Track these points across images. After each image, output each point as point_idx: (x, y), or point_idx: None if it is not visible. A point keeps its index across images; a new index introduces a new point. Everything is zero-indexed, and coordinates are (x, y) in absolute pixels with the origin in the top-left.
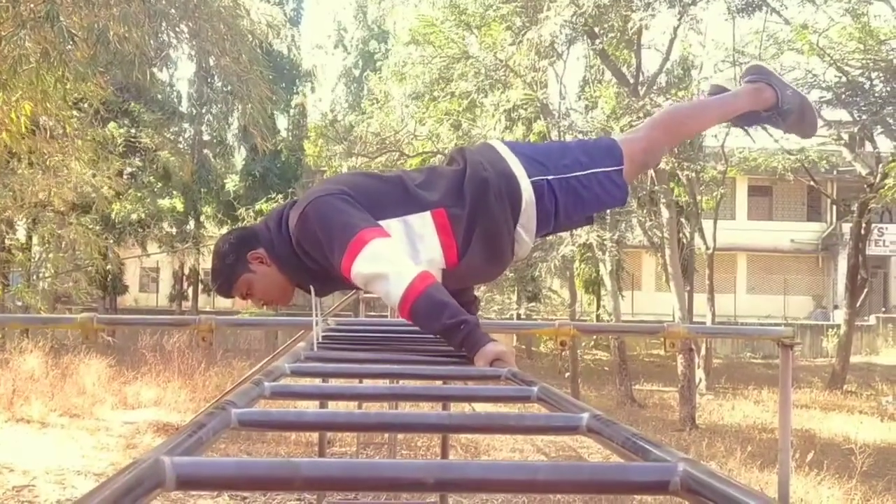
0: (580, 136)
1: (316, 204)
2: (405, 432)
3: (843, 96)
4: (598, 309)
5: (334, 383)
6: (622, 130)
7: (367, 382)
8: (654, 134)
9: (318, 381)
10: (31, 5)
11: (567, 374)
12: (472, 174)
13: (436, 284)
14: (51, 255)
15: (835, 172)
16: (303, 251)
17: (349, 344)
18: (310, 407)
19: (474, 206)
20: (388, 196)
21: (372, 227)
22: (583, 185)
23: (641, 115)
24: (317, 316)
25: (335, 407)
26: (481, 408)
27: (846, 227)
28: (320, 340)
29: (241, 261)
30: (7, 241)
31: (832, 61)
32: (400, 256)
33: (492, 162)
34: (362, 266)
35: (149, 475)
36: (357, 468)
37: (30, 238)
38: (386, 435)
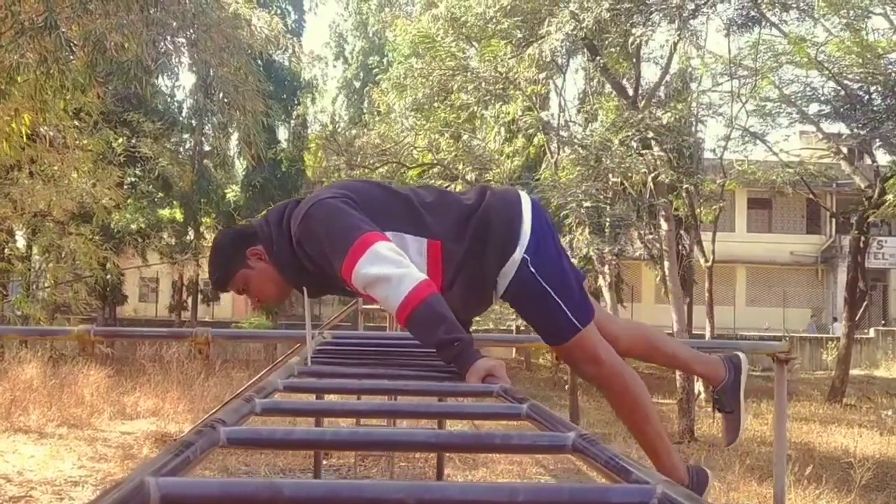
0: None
1: (320, 206)
2: (393, 450)
3: (842, 109)
4: None
5: (329, 398)
6: (622, 143)
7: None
8: (629, 337)
9: (311, 397)
10: (31, 14)
11: (567, 387)
12: (481, 215)
13: (437, 296)
14: (50, 265)
15: (834, 185)
16: (303, 252)
17: (343, 358)
18: (301, 423)
19: (471, 247)
20: (391, 209)
21: (375, 231)
22: (543, 295)
23: (641, 128)
24: (310, 322)
25: (328, 421)
26: (477, 423)
27: (845, 240)
28: (315, 354)
29: (239, 256)
30: (7, 251)
31: (831, 74)
32: (403, 261)
33: (508, 214)
34: (364, 268)
35: (133, 496)
36: (339, 489)
37: (30, 248)
38: None
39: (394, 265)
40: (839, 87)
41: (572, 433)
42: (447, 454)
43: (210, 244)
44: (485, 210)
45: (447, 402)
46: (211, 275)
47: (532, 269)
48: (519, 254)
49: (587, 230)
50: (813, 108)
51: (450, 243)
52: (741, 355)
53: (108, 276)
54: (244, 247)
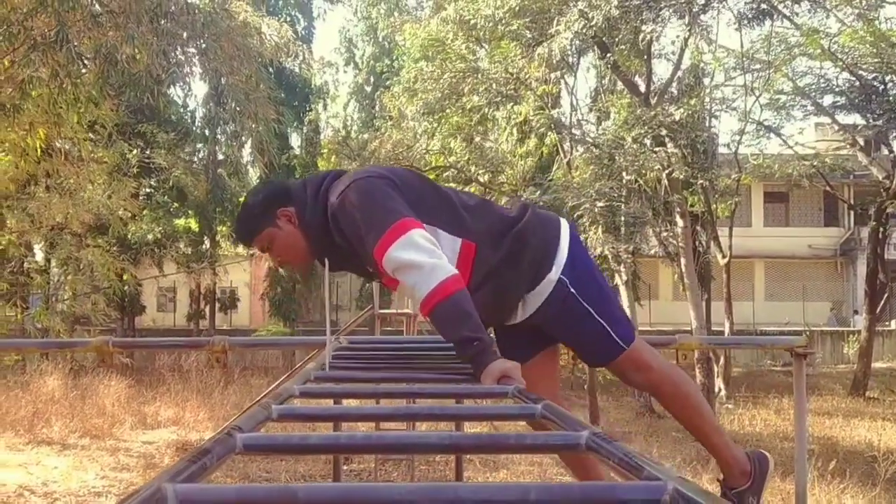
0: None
1: (363, 182)
2: (407, 453)
3: (857, 100)
4: None
5: (346, 402)
6: (634, 141)
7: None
8: (667, 372)
9: (329, 402)
10: (43, 29)
11: (586, 386)
12: (521, 230)
13: (464, 292)
14: (69, 278)
15: (851, 177)
16: (335, 224)
17: (360, 362)
18: (320, 427)
19: (506, 258)
20: (431, 203)
21: (413, 218)
22: (586, 316)
23: (654, 124)
24: (329, 300)
25: (347, 426)
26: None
27: (864, 232)
28: (332, 360)
29: (269, 214)
30: (26, 265)
31: (844, 65)
32: (437, 252)
33: (546, 234)
34: (397, 251)
35: (151, 503)
36: (353, 492)
37: (48, 261)
38: None
39: (427, 254)
40: (854, 78)
41: (586, 432)
42: (467, 456)
43: (225, 253)
44: (525, 225)
45: (464, 404)
46: (237, 228)
47: (573, 290)
48: (555, 274)
49: (601, 229)
50: (828, 100)
51: (486, 249)
52: (769, 457)
53: (126, 287)
54: (276, 206)
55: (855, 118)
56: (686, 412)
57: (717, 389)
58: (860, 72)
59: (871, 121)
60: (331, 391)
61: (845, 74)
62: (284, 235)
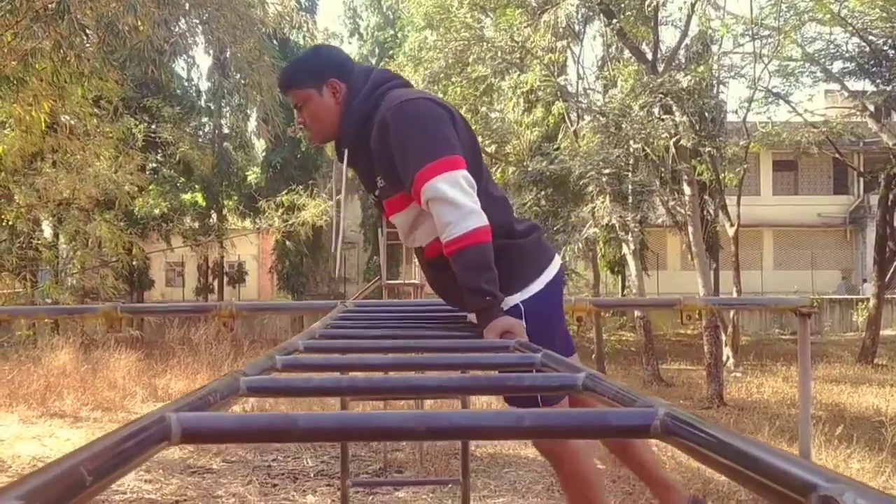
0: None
1: (432, 104)
2: (409, 396)
3: (867, 66)
4: (623, 290)
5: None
6: (641, 108)
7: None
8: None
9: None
10: (45, 0)
11: (593, 356)
12: (517, 245)
13: (491, 245)
14: (77, 252)
15: (861, 144)
16: (381, 126)
17: (366, 321)
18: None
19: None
20: (473, 166)
21: (464, 160)
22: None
23: (661, 92)
24: (344, 178)
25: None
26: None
27: (874, 199)
28: (338, 319)
29: (319, 78)
30: (34, 241)
31: (854, 30)
32: (476, 199)
33: (533, 261)
34: (442, 183)
35: (156, 428)
36: (352, 420)
37: (56, 236)
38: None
39: (469, 198)
40: (863, 43)
41: (582, 373)
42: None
43: (232, 227)
44: (524, 243)
45: (466, 355)
46: (284, 72)
47: (523, 316)
48: (517, 298)
49: (608, 198)
50: (837, 66)
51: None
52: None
53: (135, 262)
54: (330, 74)
55: (865, 84)
56: (575, 495)
57: (724, 357)
58: (870, 37)
59: (881, 86)
60: (334, 345)
61: (855, 39)
62: (322, 104)
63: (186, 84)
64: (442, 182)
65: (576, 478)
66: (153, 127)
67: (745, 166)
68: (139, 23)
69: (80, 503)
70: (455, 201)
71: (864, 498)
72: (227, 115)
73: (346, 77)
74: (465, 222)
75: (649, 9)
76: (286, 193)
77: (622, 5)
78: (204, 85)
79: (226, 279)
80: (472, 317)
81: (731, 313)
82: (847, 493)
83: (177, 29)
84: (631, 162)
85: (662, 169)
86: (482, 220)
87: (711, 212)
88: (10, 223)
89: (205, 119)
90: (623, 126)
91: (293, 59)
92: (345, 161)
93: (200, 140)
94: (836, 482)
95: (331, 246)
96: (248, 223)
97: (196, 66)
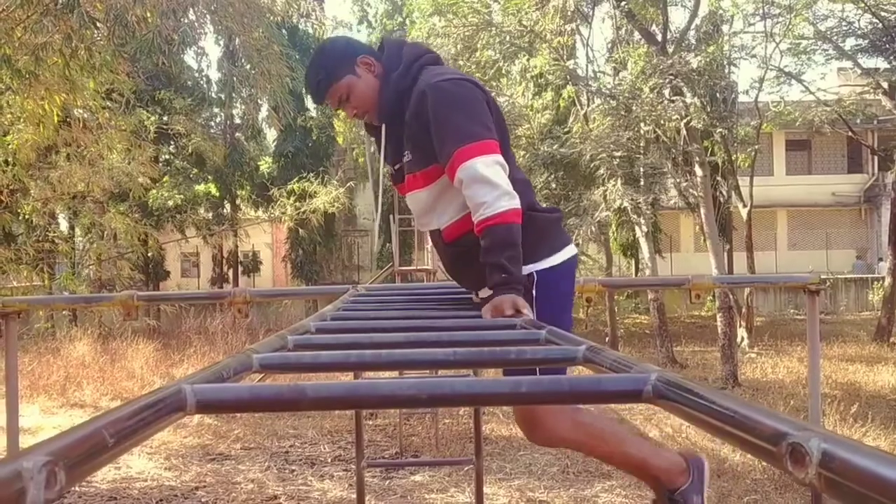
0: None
1: (473, 87)
2: (413, 368)
3: (880, 43)
4: (636, 273)
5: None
6: (652, 90)
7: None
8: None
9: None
10: None
11: (607, 340)
12: (537, 217)
13: (520, 227)
14: (93, 244)
15: (875, 122)
16: (419, 100)
17: (375, 304)
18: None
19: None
20: (502, 149)
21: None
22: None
23: (672, 73)
24: (385, 144)
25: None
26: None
27: (889, 178)
28: (349, 303)
29: (349, 61)
30: (50, 233)
31: (867, 7)
32: (509, 184)
33: (553, 237)
34: (480, 164)
35: (172, 399)
36: (358, 388)
37: (72, 228)
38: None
39: (504, 181)
40: (876, 20)
41: (583, 346)
42: (487, 409)
43: (245, 217)
44: (543, 220)
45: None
46: (312, 78)
47: (534, 292)
48: (530, 268)
49: (620, 181)
50: (849, 43)
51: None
52: (705, 461)
53: (150, 253)
54: (356, 53)
55: (878, 61)
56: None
57: (739, 338)
58: (882, 13)
59: (894, 63)
60: (345, 326)
61: (867, 16)
62: (363, 83)
63: (197, 75)
64: (480, 163)
65: (554, 440)
66: (165, 119)
67: (758, 146)
68: (148, 13)
69: (102, 463)
70: (492, 181)
71: (828, 443)
72: (238, 105)
73: (372, 52)
74: (499, 202)
75: None
76: (297, 181)
77: None
78: (214, 76)
79: (240, 269)
80: (481, 295)
81: (746, 294)
82: (812, 440)
83: (185, 19)
84: (642, 144)
85: (674, 151)
86: (515, 202)
87: (724, 193)
88: (27, 217)
89: (216, 110)
90: (633, 108)
91: (310, 68)
92: (383, 132)
93: (212, 131)
94: (804, 430)
95: (343, 234)
96: (261, 212)
97: (206, 55)
